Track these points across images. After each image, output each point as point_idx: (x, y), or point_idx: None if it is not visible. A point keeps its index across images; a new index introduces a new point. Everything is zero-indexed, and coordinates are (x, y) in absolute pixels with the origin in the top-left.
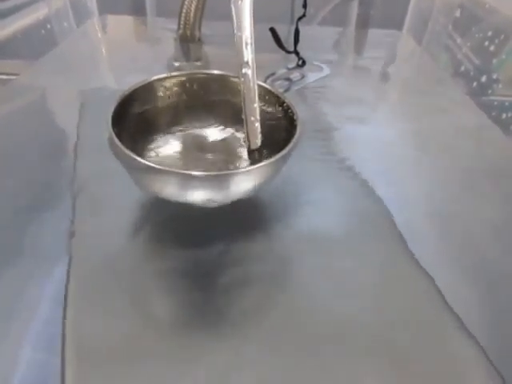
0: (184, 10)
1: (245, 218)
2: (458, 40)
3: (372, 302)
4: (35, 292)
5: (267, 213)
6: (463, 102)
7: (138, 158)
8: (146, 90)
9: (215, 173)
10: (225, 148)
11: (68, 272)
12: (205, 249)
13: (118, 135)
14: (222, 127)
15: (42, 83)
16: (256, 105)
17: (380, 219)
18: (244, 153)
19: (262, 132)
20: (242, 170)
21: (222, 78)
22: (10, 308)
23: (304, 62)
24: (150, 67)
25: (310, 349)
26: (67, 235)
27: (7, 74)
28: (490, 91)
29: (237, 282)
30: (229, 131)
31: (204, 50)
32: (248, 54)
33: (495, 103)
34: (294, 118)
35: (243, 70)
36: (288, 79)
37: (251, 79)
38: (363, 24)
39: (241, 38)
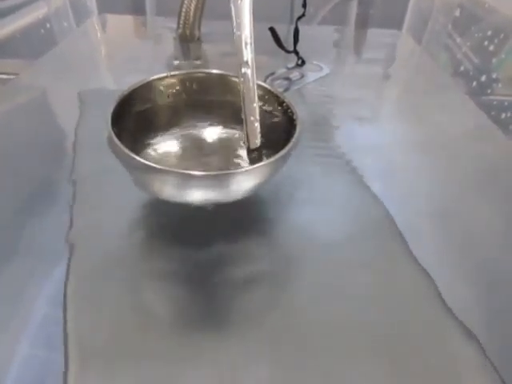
0: (184, 10)
1: (245, 218)
2: (458, 39)
3: (372, 302)
4: (35, 291)
5: (267, 213)
6: (463, 102)
7: (138, 158)
8: (145, 89)
9: (215, 173)
10: (224, 148)
11: (67, 271)
12: (204, 249)
13: (118, 134)
14: (221, 127)
15: (41, 83)
16: (255, 104)
17: (380, 219)
18: (243, 152)
19: (261, 132)
20: (242, 169)
21: (221, 78)
22: (9, 307)
23: (303, 62)
24: (149, 66)
25: (310, 349)
26: (66, 234)
27: (7, 74)
28: (489, 91)
29: (237, 282)
30: (228, 131)
31: (203, 49)
32: (247, 54)
33: (495, 103)
34: (294, 117)
35: (243, 70)
36: (287, 79)
37: (251, 79)
38: (363, 24)
39: (240, 37)
